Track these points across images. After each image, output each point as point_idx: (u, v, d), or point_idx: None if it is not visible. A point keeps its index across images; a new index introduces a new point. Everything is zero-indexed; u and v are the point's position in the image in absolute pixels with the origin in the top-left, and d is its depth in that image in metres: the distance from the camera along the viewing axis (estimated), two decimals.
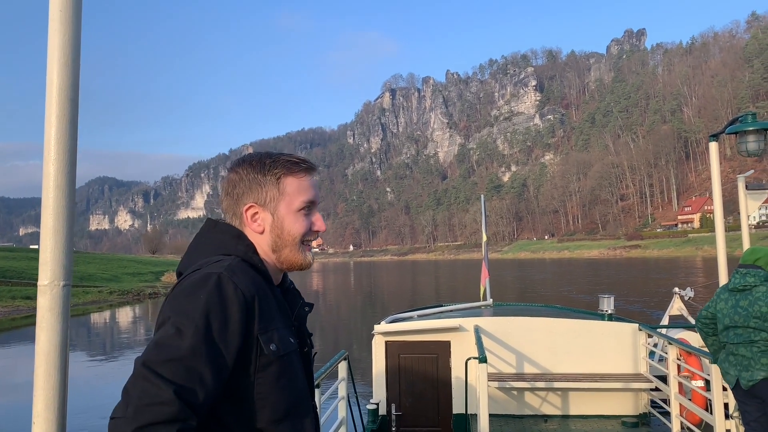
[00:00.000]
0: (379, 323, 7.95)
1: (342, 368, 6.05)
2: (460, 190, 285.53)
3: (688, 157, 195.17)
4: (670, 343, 6.50)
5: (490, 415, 5.41)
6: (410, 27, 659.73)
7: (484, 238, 11.05)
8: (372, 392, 7.90)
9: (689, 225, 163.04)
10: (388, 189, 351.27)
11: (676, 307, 10.26)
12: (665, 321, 10.04)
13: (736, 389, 4.54)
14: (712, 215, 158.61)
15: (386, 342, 7.79)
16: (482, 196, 12.46)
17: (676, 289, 10.41)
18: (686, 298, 10.32)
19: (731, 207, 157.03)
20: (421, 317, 8.52)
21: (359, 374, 13.15)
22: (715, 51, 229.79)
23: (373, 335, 7.89)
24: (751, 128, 5.24)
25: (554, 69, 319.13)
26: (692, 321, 9.81)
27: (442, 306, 9.67)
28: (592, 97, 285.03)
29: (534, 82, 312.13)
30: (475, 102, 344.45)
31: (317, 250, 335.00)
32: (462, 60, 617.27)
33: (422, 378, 7.70)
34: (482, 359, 5.40)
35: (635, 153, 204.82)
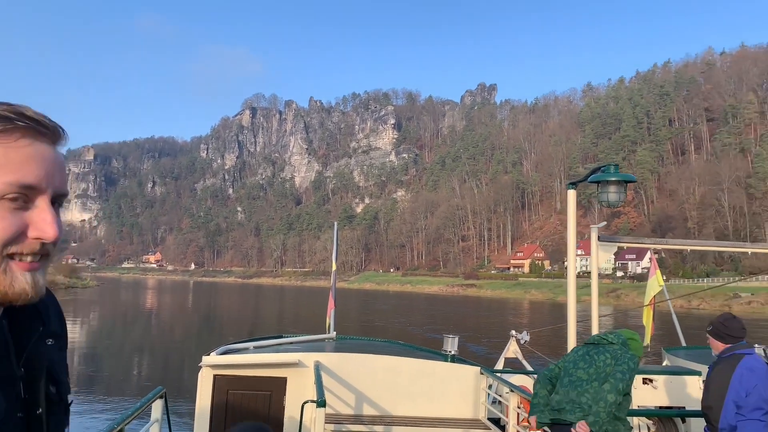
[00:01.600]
0: (209, 354, 7.16)
1: (156, 408, 5.21)
2: (314, 217, 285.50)
3: (524, 206, 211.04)
4: (511, 391, 6.42)
5: None
6: (278, 49, 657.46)
7: (334, 266, 10.66)
8: None
9: (520, 269, 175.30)
10: (239, 208, 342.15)
11: (512, 349, 10.43)
12: (501, 363, 10.15)
13: None
14: (541, 262, 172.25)
15: (215, 376, 7.03)
16: (335, 223, 12.09)
17: (513, 332, 10.59)
18: (522, 342, 10.53)
19: (557, 256, 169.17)
20: (257, 349, 7.84)
21: (186, 413, 11.96)
22: (555, 113, 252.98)
23: (200, 367, 7.07)
24: (613, 179, 5.32)
25: (412, 110, 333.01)
26: (526, 364, 10.03)
27: (282, 337, 9.03)
28: (444, 141, 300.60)
29: (393, 121, 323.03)
30: (336, 132, 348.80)
31: (154, 265, 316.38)
32: (326, 89, 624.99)
33: (252, 418, 7.00)
34: (321, 403, 4.92)
35: (478, 198, 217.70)
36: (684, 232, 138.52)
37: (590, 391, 4.23)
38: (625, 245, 5.75)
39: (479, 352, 28.57)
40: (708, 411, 4.10)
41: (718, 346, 4.33)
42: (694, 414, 6.24)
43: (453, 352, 7.95)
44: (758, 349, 4.24)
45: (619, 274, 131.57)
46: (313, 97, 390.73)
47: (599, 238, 5.37)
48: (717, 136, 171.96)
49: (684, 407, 6.83)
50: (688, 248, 6.25)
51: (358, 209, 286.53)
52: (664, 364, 8.99)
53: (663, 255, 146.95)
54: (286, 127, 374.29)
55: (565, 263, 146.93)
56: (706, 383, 4.15)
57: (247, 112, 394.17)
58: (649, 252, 10.71)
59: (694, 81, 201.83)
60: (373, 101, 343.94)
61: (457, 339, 8.12)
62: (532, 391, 7.45)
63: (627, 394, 4.22)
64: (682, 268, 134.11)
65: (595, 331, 5.19)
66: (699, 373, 7.23)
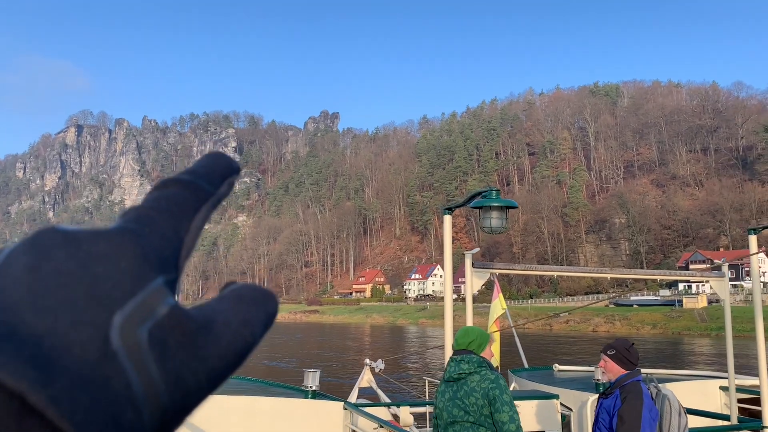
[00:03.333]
0: None
1: None
2: None
3: (366, 232, 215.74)
4: (381, 426, 6.06)
5: None
6: (107, 64, 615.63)
7: None
8: None
9: (362, 294, 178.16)
10: None
11: (366, 378, 10.15)
12: (355, 394, 9.81)
13: None
14: (381, 286, 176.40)
15: None
16: None
17: (368, 361, 10.33)
18: (377, 370, 10.28)
19: (396, 281, 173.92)
20: None
21: None
22: (394, 143, 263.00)
23: None
24: (495, 204, 5.20)
25: (255, 134, 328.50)
26: (382, 394, 9.77)
27: None
28: (288, 166, 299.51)
29: (234, 143, 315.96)
30: (172, 153, 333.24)
31: None
32: (161, 109, 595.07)
33: None
34: None
35: (321, 224, 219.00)
36: (510, 256, 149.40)
37: None
38: (497, 271, 5.68)
39: (330, 381, 28.08)
40: None
41: (616, 371, 4.31)
42: None
43: (314, 388, 7.46)
44: (646, 380, 4.29)
45: (454, 296, 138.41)
46: (147, 116, 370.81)
47: (473, 265, 5.22)
48: (537, 169, 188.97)
49: (544, 431, 6.93)
50: (555, 274, 6.33)
51: None
52: (512, 386, 9.19)
53: (492, 278, 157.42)
54: (116, 147, 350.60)
55: (404, 287, 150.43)
56: (621, 415, 4.10)
57: (73, 129, 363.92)
58: (490, 276, 11.30)
59: (517, 118, 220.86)
60: (212, 123, 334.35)
61: (318, 373, 7.64)
62: (400, 425, 7.18)
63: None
64: (509, 290, 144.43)
65: (448, 353, 4.96)
66: (557, 396, 7.41)
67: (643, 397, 4.16)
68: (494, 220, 5.22)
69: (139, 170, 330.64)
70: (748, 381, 8.11)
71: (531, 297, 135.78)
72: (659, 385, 4.45)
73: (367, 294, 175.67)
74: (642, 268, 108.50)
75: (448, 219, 5.41)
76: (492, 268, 5.50)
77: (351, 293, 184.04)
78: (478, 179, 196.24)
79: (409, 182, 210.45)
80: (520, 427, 3.91)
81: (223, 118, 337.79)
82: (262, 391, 7.77)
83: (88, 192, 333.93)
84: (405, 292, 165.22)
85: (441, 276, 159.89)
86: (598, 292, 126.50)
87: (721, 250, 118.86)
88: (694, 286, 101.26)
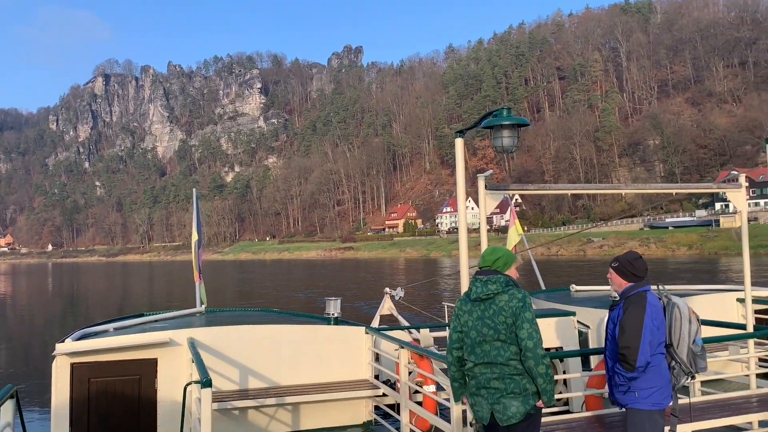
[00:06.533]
0: (63, 340, 6.36)
1: (6, 410, 4.46)
2: (180, 188, 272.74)
3: (396, 168, 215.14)
4: (402, 347, 6.27)
5: None
6: (128, 13, 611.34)
7: (195, 237, 9.91)
8: None
9: (395, 230, 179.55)
10: (97, 183, 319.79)
11: (387, 306, 10.41)
12: (376, 321, 10.08)
13: (491, 427, 4.13)
14: (414, 221, 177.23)
15: (72, 364, 6.27)
16: (194, 190, 11.23)
17: (387, 289, 10.56)
18: (396, 298, 10.51)
19: (428, 215, 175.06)
20: (118, 331, 7.11)
21: (46, 411, 10.77)
22: (420, 75, 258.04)
23: (54, 357, 6.26)
24: (506, 123, 5.17)
25: (279, 74, 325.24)
26: (402, 320, 10.03)
27: (144, 315, 8.27)
28: (314, 105, 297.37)
29: (259, 85, 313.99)
30: (199, 98, 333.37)
31: (5, 249, 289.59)
32: (185, 53, 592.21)
33: (120, 407, 6.34)
34: (206, 383, 4.41)
35: (351, 162, 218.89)
36: (542, 184, 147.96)
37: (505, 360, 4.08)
38: (510, 192, 5.71)
39: (359, 312, 28.80)
40: (626, 351, 4.14)
41: (621, 284, 4.39)
42: (573, 354, 6.49)
43: (336, 315, 7.72)
44: (653, 289, 4.33)
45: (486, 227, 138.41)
46: (172, 61, 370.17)
47: (486, 187, 5.25)
48: (568, 94, 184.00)
49: (562, 348, 7.08)
50: (569, 192, 6.30)
51: (228, 178, 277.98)
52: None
53: (524, 207, 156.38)
54: (144, 95, 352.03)
55: (436, 221, 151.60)
56: (621, 324, 4.18)
57: (100, 79, 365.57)
58: (510, 205, 11.42)
59: (546, 41, 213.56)
60: (237, 65, 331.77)
61: (339, 301, 7.89)
62: (422, 347, 7.40)
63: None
64: (541, 218, 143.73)
65: (465, 282, 5.01)
66: (573, 314, 7.53)
67: (645, 307, 4.21)
68: (505, 138, 5.18)
69: (168, 116, 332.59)
70: (766, 292, 8.09)
71: (564, 224, 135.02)
72: (671, 296, 4.48)
73: (400, 229, 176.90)
74: None
75: (459, 142, 5.40)
76: (505, 189, 5.50)
77: (384, 229, 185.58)
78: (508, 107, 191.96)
79: (437, 115, 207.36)
80: (538, 344, 3.97)
81: (246, 60, 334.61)
82: (286, 320, 8.05)
83: (120, 141, 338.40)
84: (437, 225, 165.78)
85: (473, 208, 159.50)
86: (632, 216, 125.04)
87: (760, 167, 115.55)
88: (731, 204, 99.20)
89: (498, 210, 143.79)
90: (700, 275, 44.40)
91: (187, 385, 5.82)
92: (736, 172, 6.63)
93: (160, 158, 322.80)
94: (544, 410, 4.23)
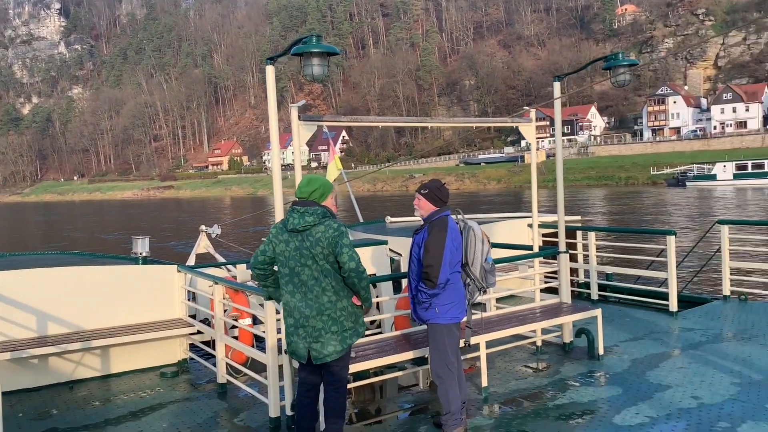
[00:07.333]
0: None
1: None
2: None
3: (218, 102, 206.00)
4: (216, 283, 6.14)
5: (3, 394, 4.07)
6: None
7: None
8: None
9: (219, 167, 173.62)
10: None
11: (203, 245, 10.15)
12: (192, 259, 9.81)
13: (307, 363, 4.26)
14: (239, 158, 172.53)
15: None
16: None
17: (203, 227, 10.29)
18: (213, 236, 10.29)
19: (255, 151, 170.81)
20: None
21: None
22: (242, 3, 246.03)
23: None
24: (316, 50, 5.04)
25: None
26: (219, 257, 9.86)
27: None
28: (124, 31, 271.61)
29: (58, 5, 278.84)
30: None
31: None
32: None
33: None
34: None
35: (168, 94, 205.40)
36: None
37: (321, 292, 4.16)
38: (324, 123, 5.68)
39: (175, 252, 27.77)
40: (429, 269, 4.42)
41: (429, 209, 4.62)
42: (384, 279, 6.83)
43: (144, 254, 7.33)
44: (452, 214, 4.63)
45: (314, 165, 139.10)
46: None
47: (299, 117, 5.17)
48: (391, 31, 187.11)
49: (375, 274, 7.41)
50: (380, 125, 6.43)
51: (25, 110, 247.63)
52: None
53: (351, 144, 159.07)
54: None
55: (264, 158, 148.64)
56: (426, 245, 4.44)
57: None
58: (329, 140, 11.64)
59: None
60: None
61: (147, 239, 7.49)
62: (237, 282, 7.31)
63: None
64: (368, 155, 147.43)
65: (280, 216, 4.98)
66: (386, 242, 7.89)
67: (447, 229, 4.53)
68: (315, 67, 5.11)
69: None
70: (551, 218, 9.10)
71: (388, 161, 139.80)
72: (467, 220, 4.83)
73: (225, 167, 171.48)
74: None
75: (270, 70, 5.20)
76: (319, 120, 5.46)
77: (207, 167, 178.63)
78: (332, 42, 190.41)
79: (262, 47, 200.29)
80: (360, 263, 4.12)
81: None
82: (89, 262, 7.50)
83: None
84: (264, 162, 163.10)
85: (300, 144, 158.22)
86: (449, 153, 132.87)
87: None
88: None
89: (326, 148, 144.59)
90: (505, 206, 48.84)
91: None
92: (530, 109, 7.22)
93: None
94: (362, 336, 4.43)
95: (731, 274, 8.48)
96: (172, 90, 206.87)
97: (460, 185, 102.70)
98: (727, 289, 8.47)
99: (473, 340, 5.25)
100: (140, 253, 7.36)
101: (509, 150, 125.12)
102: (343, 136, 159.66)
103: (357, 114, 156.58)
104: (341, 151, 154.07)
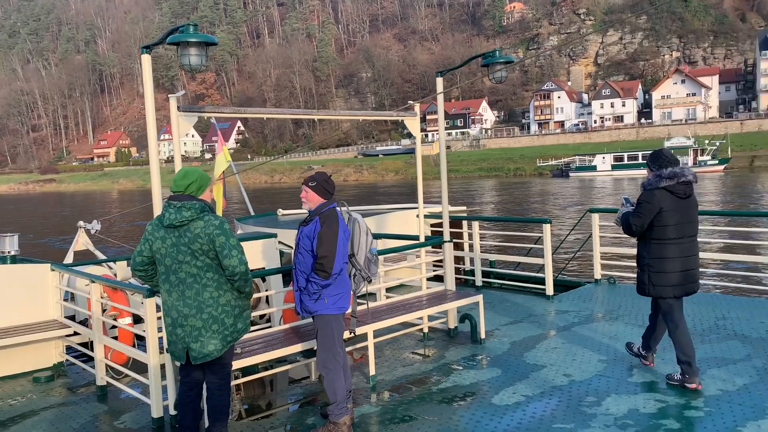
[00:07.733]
0: None
1: None
2: None
3: (103, 90, 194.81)
4: (93, 281, 5.84)
5: None
6: None
7: None
8: None
9: (105, 159, 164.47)
10: None
11: (81, 241, 9.62)
12: (70, 257, 9.28)
13: (188, 363, 4.15)
14: (127, 149, 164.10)
15: None
16: None
17: (81, 223, 9.74)
18: (93, 232, 9.78)
19: (143, 142, 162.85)
20: None
21: None
22: None
23: None
24: (193, 40, 4.86)
25: None
26: (98, 254, 9.40)
27: None
28: None
29: None
30: None
31: None
32: None
33: None
34: None
35: (48, 81, 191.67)
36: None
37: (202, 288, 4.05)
38: (205, 115, 5.53)
39: (54, 249, 26.10)
40: (324, 260, 4.47)
41: (317, 201, 4.65)
42: (273, 272, 6.79)
43: (12, 252, 6.85)
44: (338, 206, 4.71)
45: (208, 156, 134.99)
46: None
47: (179, 108, 4.99)
48: (287, 21, 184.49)
49: (264, 268, 7.34)
50: (265, 116, 6.34)
51: None
52: (238, 232, 9.49)
53: (247, 135, 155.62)
54: None
55: None
56: (320, 236, 4.48)
57: None
58: (217, 131, 11.32)
59: None
60: None
61: (16, 237, 7.00)
62: (116, 280, 7.00)
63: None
64: (264, 146, 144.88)
65: (158, 208, 4.83)
66: (275, 236, 7.84)
67: (338, 221, 4.61)
68: (193, 57, 4.94)
69: None
70: (439, 208, 9.42)
71: (286, 152, 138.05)
72: (351, 212, 4.91)
73: (112, 158, 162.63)
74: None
75: (146, 59, 4.98)
76: (200, 111, 5.31)
77: (92, 159, 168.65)
78: (226, 30, 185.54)
79: (150, 33, 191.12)
80: (247, 266, 4.06)
81: None
82: None
83: None
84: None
85: (193, 135, 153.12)
86: (348, 144, 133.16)
87: (453, 101, 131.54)
88: (430, 134, 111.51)
89: (217, 138, 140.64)
90: (401, 197, 49.65)
91: None
92: (415, 103, 7.38)
93: None
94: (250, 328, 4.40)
95: (602, 259, 9.11)
96: (51, 77, 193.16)
97: (359, 177, 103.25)
98: (598, 273, 9.09)
99: (361, 330, 5.35)
100: (8, 252, 6.87)
101: (406, 142, 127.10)
102: (239, 127, 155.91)
103: (253, 105, 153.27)
104: (236, 143, 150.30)
